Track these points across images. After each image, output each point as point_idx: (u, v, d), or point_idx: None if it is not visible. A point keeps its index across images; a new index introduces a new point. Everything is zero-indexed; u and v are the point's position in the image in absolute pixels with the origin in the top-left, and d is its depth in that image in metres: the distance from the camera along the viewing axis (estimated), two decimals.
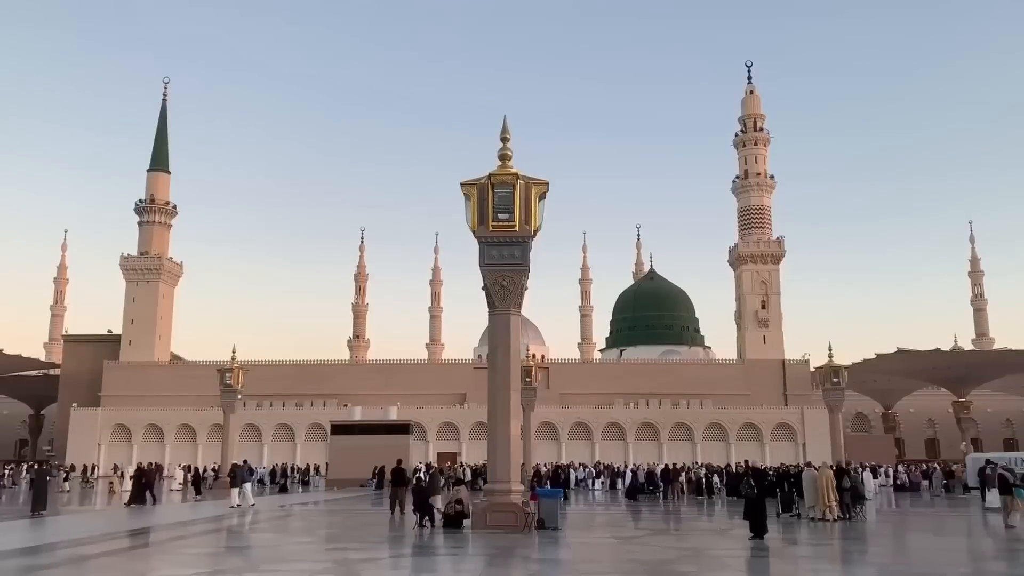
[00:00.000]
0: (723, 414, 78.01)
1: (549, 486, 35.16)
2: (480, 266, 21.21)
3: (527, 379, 44.17)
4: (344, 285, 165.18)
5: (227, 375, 49.87)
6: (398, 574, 13.80)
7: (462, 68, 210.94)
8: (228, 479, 34.45)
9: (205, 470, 50.75)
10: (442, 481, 27.51)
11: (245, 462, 37.55)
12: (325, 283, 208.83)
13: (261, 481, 57.89)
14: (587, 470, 53.47)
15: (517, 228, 20.86)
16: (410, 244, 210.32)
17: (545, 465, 51.93)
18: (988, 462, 41.55)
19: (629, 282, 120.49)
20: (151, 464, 33.42)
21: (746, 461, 46.96)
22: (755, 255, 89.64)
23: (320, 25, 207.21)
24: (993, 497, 30.57)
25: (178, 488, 47.77)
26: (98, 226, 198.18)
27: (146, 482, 32.09)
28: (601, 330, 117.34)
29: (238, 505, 30.22)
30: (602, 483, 50.39)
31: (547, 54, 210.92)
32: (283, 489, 49.07)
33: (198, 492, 40.45)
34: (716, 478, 43.05)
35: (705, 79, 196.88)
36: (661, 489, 40.25)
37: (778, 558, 16.01)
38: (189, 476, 48.66)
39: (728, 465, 51.49)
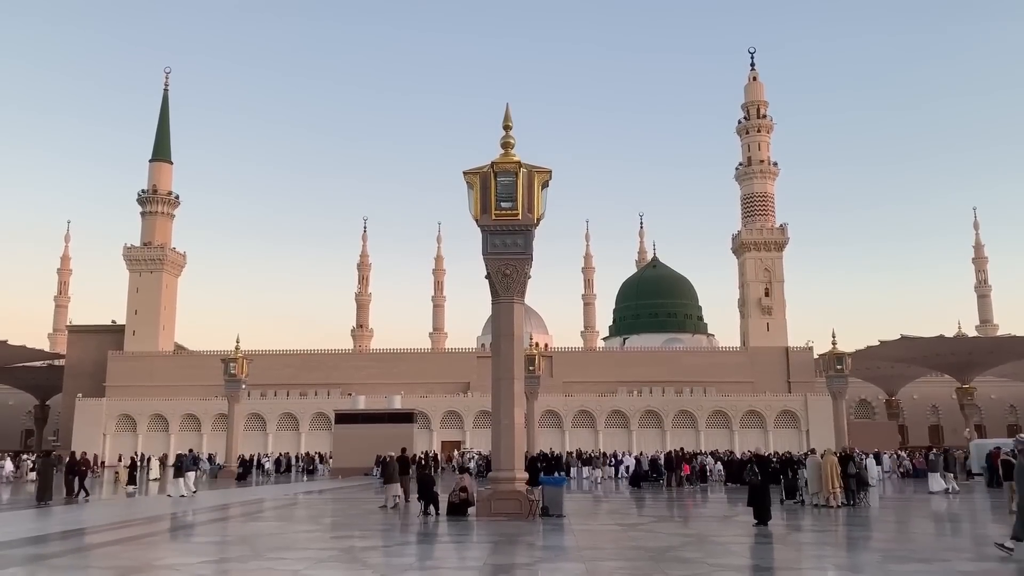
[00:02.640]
0: (727, 401, 78.12)
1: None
2: (483, 255, 21.18)
3: (531, 367, 44.29)
4: (347, 274, 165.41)
5: (231, 365, 50.03)
6: (403, 561, 13.85)
7: (464, 56, 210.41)
8: (173, 468, 33.53)
9: (148, 459, 49.66)
10: (412, 469, 27.41)
11: (190, 451, 37.41)
12: (328, 272, 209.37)
13: (262, 467, 58.13)
14: (572, 457, 52.99)
15: (520, 216, 20.82)
16: (413, 233, 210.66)
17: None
18: (928, 449, 42.99)
19: (632, 270, 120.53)
20: (83, 455, 32.05)
21: (750, 452, 47.01)
22: (758, 242, 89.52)
23: (321, 13, 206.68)
24: (936, 482, 31.58)
25: (155, 479, 46.25)
26: (101, 217, 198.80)
27: (80, 473, 29.93)
28: (604, 318, 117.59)
29: (182, 496, 29.86)
30: (591, 472, 49.71)
31: (550, 44, 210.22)
32: (240, 478, 47.30)
33: (132, 482, 38.04)
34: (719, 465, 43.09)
35: (708, 66, 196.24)
36: (664, 477, 40.32)
37: (782, 544, 16.04)
38: (166, 464, 46.77)
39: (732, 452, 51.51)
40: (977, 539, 17.86)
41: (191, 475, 32.48)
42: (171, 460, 60.98)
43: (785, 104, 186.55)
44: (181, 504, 27.32)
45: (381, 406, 56.97)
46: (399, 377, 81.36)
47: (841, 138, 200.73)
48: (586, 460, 50.59)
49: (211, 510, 25.45)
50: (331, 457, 56.87)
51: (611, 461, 50.29)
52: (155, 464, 51.03)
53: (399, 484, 24.62)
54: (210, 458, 62.17)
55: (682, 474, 38.94)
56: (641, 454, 48.47)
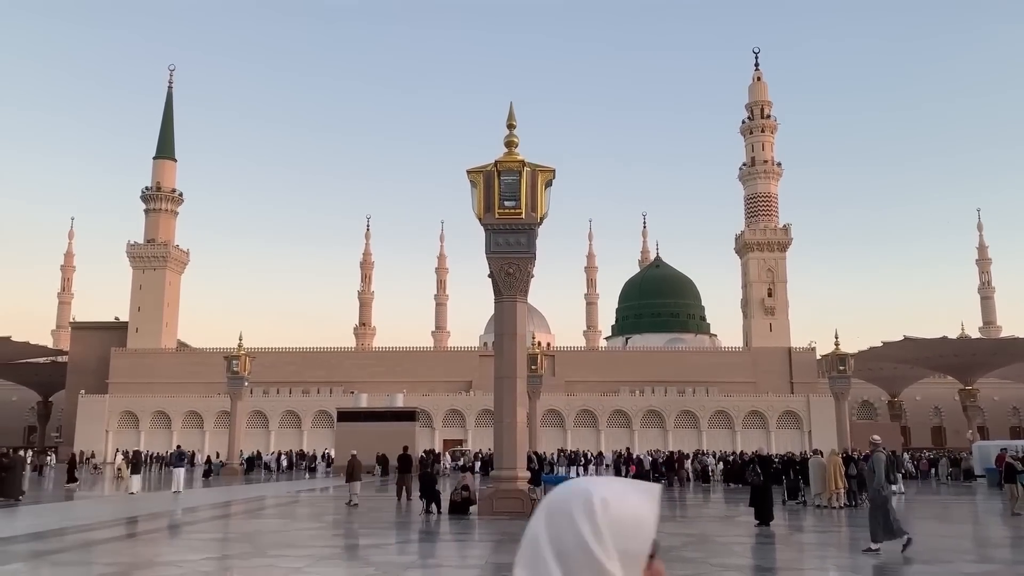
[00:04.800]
0: (729, 402, 78.01)
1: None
2: (486, 253, 21.17)
3: (533, 367, 44.22)
4: (350, 272, 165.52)
5: (234, 362, 50.01)
6: (405, 559, 13.86)
7: (468, 55, 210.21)
8: (126, 465, 32.89)
9: (83, 456, 48.01)
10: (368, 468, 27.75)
11: (178, 447, 37.13)
12: (331, 270, 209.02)
13: (267, 466, 58.18)
14: (560, 456, 52.70)
15: (523, 215, 20.81)
16: (416, 232, 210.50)
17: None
18: (912, 449, 43.22)
19: (635, 270, 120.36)
20: (18, 450, 30.82)
21: (755, 452, 47.02)
22: (761, 243, 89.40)
23: (325, 11, 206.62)
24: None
25: (120, 476, 43.91)
26: (104, 214, 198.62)
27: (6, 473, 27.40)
28: (607, 318, 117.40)
29: (132, 492, 29.47)
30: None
31: (554, 42, 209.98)
32: (206, 475, 46.51)
33: (72, 480, 36.22)
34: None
35: (712, 66, 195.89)
36: (665, 477, 40.35)
37: (784, 545, 16.03)
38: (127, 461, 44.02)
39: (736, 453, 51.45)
40: (979, 541, 17.85)
41: (179, 472, 32.33)
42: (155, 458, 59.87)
43: (789, 104, 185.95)
44: (133, 502, 26.59)
45: (383, 404, 57.02)
46: (401, 375, 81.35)
47: (845, 139, 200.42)
48: (571, 459, 50.74)
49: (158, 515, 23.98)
50: (332, 456, 56.96)
51: (593, 461, 50.53)
52: (119, 459, 47.50)
53: (360, 482, 25.27)
54: (191, 456, 61.46)
55: (630, 473, 39.41)
56: (648, 452, 48.53)
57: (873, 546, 13.81)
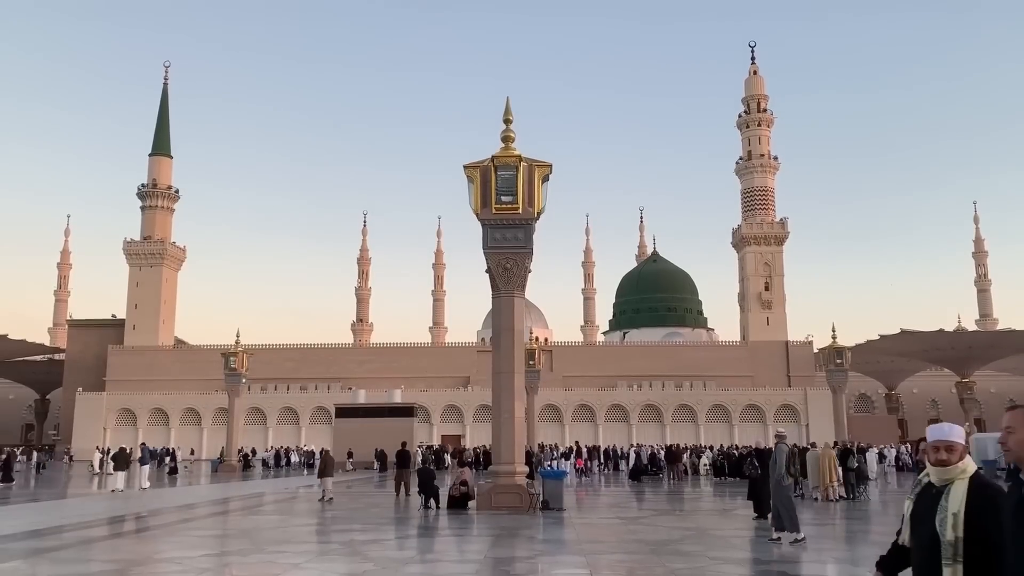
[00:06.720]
0: (726, 396, 78.14)
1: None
2: (483, 249, 21.19)
3: (531, 362, 44.26)
4: (347, 269, 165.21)
5: (231, 359, 50.00)
6: (404, 554, 13.87)
7: (465, 50, 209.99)
8: (112, 461, 32.73)
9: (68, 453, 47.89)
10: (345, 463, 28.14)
11: (143, 445, 37.21)
12: (328, 266, 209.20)
13: (265, 464, 58.18)
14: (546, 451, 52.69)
15: (520, 210, 20.81)
16: (413, 227, 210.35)
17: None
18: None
19: (632, 264, 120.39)
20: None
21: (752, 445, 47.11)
22: (759, 236, 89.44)
23: (321, 5, 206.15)
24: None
25: (98, 472, 43.95)
26: (101, 211, 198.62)
27: None
28: (604, 312, 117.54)
29: (120, 490, 29.35)
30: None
31: (551, 37, 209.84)
32: (173, 471, 45.82)
33: (7, 479, 35.57)
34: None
35: (708, 60, 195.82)
36: (664, 470, 40.46)
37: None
38: (106, 458, 43.00)
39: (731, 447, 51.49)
40: None
41: (146, 469, 32.12)
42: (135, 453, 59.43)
43: (785, 98, 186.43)
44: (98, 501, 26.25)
45: (381, 400, 57.09)
46: (399, 371, 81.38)
47: (842, 132, 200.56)
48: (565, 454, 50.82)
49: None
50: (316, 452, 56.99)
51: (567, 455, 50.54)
52: (96, 456, 47.86)
53: (332, 479, 25.37)
54: (172, 453, 61.18)
55: (577, 467, 39.72)
56: (641, 447, 48.61)
57: (775, 535, 14.17)
